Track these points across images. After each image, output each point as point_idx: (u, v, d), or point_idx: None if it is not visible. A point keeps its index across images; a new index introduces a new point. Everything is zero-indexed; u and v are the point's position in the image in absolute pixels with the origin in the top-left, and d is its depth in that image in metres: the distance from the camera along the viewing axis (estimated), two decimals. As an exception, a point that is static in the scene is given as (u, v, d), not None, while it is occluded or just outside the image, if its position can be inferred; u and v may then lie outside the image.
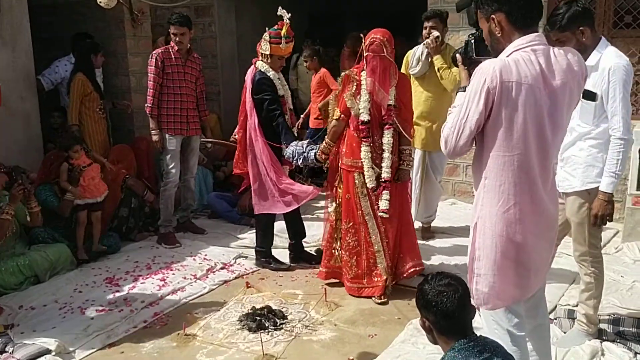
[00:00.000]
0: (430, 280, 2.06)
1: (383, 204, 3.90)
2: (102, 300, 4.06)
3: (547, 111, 2.12)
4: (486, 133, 2.16)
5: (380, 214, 3.93)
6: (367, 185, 3.92)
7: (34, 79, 5.52)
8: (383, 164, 3.91)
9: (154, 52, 5.14)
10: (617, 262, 4.35)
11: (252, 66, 4.50)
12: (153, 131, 5.14)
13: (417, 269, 4.14)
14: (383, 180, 3.91)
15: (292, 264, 4.70)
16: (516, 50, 2.12)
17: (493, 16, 2.16)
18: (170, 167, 5.18)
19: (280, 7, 4.29)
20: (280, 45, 4.29)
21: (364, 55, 3.89)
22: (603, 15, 5.20)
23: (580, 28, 2.97)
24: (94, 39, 5.98)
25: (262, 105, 4.35)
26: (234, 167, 4.81)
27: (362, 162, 3.92)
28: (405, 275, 4.14)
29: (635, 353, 3.20)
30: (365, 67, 3.90)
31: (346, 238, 4.07)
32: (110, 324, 3.71)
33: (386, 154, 3.90)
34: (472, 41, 2.39)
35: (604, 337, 3.32)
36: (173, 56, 5.11)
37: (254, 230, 5.39)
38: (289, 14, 4.27)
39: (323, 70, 6.41)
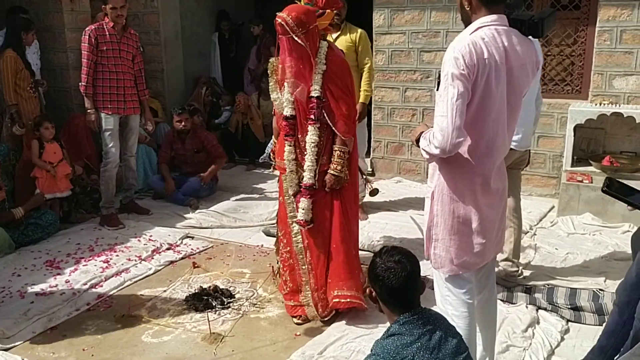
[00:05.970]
0: (383, 253, 2.11)
1: (300, 214, 3.34)
2: (43, 283, 3.95)
3: (506, 89, 2.24)
4: None
5: (293, 225, 3.43)
6: (289, 191, 3.44)
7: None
8: (305, 167, 3.33)
9: (86, 29, 4.92)
10: (552, 236, 4.55)
11: None
12: (89, 110, 4.96)
13: (342, 301, 3.33)
14: (302, 186, 3.36)
15: None
16: (480, 28, 2.22)
17: None
18: (109, 146, 5.03)
19: None
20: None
21: None
22: (541, -4, 5.34)
23: None
24: (29, 14, 5.70)
25: None
26: None
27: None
28: (329, 306, 3.40)
29: (568, 320, 3.38)
30: None
31: (280, 247, 3.64)
32: (51, 307, 3.62)
33: (307, 155, 3.30)
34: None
35: (539, 306, 3.48)
36: (107, 33, 4.91)
37: (201, 210, 5.35)
38: None
39: None
